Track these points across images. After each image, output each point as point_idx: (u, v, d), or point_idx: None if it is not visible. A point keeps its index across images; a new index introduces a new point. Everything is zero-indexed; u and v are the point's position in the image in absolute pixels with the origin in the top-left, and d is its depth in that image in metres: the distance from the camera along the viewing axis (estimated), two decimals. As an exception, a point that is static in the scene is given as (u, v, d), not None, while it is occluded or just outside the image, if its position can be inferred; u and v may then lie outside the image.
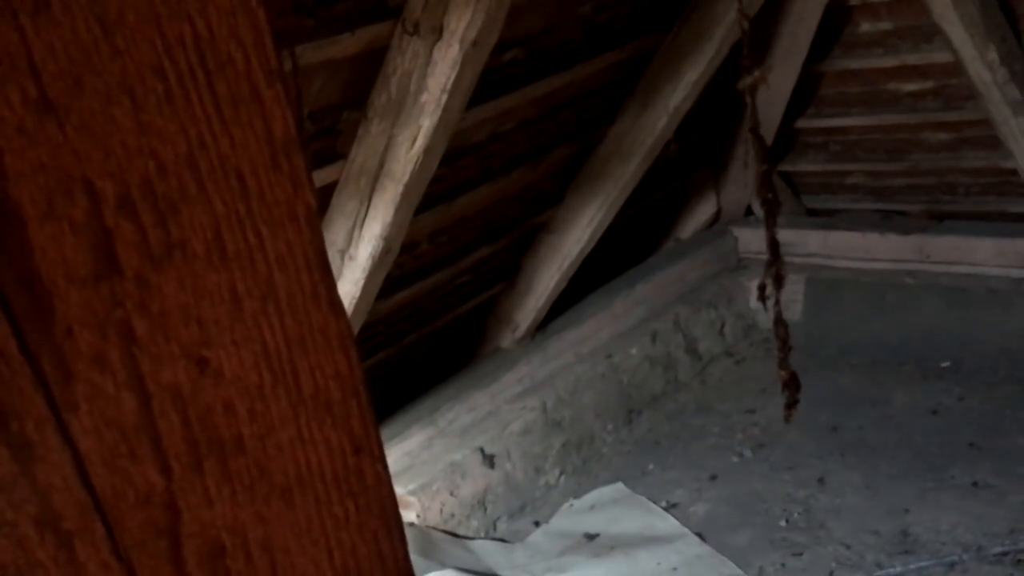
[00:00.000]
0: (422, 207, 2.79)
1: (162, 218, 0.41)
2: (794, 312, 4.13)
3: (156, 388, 0.42)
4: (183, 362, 0.42)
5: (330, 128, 2.47)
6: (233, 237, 0.44)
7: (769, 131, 3.85)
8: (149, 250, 0.41)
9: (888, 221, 3.96)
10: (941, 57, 3.32)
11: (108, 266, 0.40)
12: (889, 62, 3.49)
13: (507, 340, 3.70)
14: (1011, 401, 3.40)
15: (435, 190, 2.84)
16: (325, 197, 2.60)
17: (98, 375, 0.40)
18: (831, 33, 3.51)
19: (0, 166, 0.37)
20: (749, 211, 4.30)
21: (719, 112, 3.89)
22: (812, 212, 4.32)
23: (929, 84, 3.51)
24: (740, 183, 4.05)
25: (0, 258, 0.37)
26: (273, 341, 0.45)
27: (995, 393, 3.46)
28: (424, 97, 2.32)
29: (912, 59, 3.42)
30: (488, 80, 2.62)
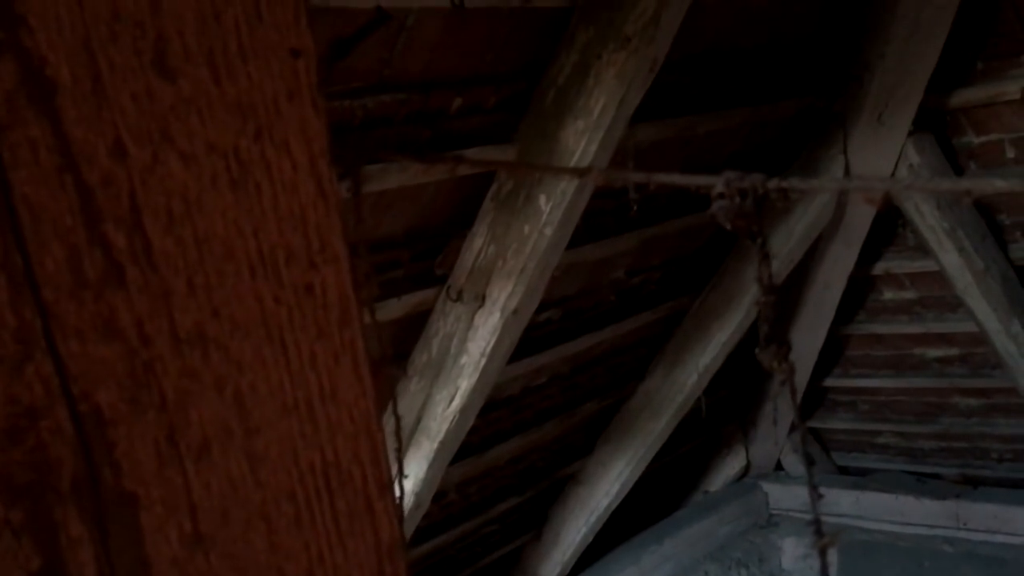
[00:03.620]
0: (453, 458, 2.81)
1: (281, 635, 0.45)
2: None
3: None
4: None
5: (371, 383, 2.55)
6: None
7: (797, 389, 3.90)
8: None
9: (922, 484, 3.91)
10: (966, 327, 3.40)
11: None
12: (914, 329, 3.58)
13: (532, 594, 3.59)
14: None
15: (467, 441, 2.87)
16: (361, 449, 2.63)
17: None
18: (856, 299, 3.63)
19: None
20: (779, 466, 4.27)
21: (747, 369, 3.96)
22: (843, 470, 4.28)
23: (955, 351, 3.58)
24: (770, 439, 4.06)
25: None
26: None
27: (1047, 677, 3.28)
28: (464, 359, 2.40)
29: (937, 327, 3.51)
30: (523, 338, 2.71)
